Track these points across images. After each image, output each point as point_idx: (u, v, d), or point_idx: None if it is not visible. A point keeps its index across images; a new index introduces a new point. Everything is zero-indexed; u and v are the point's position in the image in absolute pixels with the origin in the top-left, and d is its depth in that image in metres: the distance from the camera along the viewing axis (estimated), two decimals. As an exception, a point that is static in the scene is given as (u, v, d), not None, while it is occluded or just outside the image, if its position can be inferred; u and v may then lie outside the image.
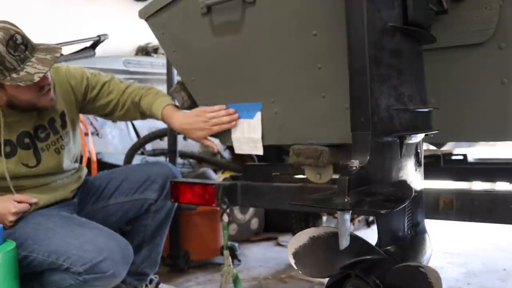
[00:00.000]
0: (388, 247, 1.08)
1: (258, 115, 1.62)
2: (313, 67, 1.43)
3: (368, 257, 1.08)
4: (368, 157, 0.99)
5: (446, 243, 3.12)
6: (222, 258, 1.99)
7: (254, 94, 1.62)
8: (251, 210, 3.30)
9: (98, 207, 1.95)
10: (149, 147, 3.18)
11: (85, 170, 2.01)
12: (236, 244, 2.79)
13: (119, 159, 2.95)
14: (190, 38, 1.70)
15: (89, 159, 2.55)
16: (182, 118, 1.78)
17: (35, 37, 1.62)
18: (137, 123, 3.38)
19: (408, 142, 1.10)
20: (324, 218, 2.85)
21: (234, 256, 2.65)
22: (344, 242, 0.97)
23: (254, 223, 3.36)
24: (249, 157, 2.62)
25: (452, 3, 1.15)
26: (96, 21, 4.47)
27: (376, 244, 1.09)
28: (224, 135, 1.75)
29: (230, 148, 2.58)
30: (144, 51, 4.66)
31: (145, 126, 3.37)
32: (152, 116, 1.88)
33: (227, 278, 1.81)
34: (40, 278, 1.63)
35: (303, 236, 1.15)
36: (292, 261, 1.16)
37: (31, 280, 1.64)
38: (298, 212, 2.73)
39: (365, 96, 0.99)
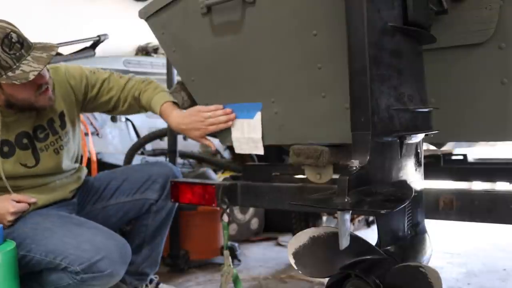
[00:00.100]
0: (388, 247, 1.08)
1: (258, 115, 1.62)
2: (313, 67, 1.43)
3: (368, 257, 1.07)
4: (368, 157, 0.99)
5: (446, 243, 3.12)
6: (222, 258, 1.99)
7: (254, 94, 1.62)
8: (251, 210, 3.30)
9: (99, 207, 1.95)
10: (149, 147, 3.18)
11: (85, 171, 2.01)
12: (236, 244, 2.80)
13: (119, 159, 2.95)
14: (190, 38, 1.70)
15: (89, 159, 2.55)
16: (179, 118, 1.78)
17: (35, 37, 1.62)
18: (137, 123, 3.38)
19: (408, 142, 1.10)
20: (324, 218, 2.85)
21: (234, 256, 2.65)
22: (344, 242, 0.97)
23: (254, 223, 3.36)
24: (249, 157, 2.63)
25: (452, 3, 1.15)
26: (96, 21, 4.47)
27: (376, 244, 1.09)
28: (224, 135, 1.75)
29: (230, 148, 2.59)
30: (144, 51, 4.66)
31: (145, 126, 3.37)
32: (151, 111, 1.89)
33: (227, 278, 1.81)
34: (39, 278, 1.63)
35: (303, 236, 1.15)
36: (292, 261, 1.16)
37: (30, 280, 1.64)
38: (298, 212, 2.73)
39: (365, 96, 0.99)
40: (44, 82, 1.64)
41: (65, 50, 3.12)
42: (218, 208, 2.04)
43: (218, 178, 2.82)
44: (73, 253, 1.54)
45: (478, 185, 2.06)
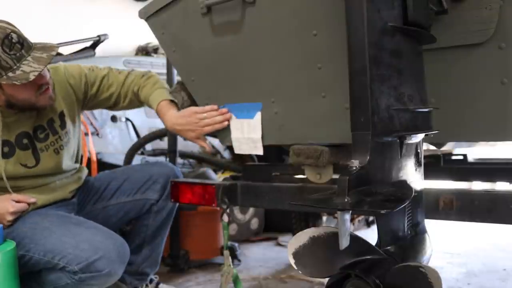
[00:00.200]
0: (388, 247, 1.08)
1: (258, 115, 1.62)
2: (313, 67, 1.43)
3: (368, 257, 1.07)
4: (368, 157, 0.99)
5: (446, 243, 3.12)
6: (222, 258, 1.99)
7: (254, 94, 1.62)
8: (251, 210, 3.30)
9: (99, 207, 1.95)
10: (149, 147, 3.18)
11: (85, 171, 2.01)
12: (236, 244, 2.79)
13: (119, 159, 2.95)
14: (190, 38, 1.70)
15: (89, 159, 2.55)
16: (173, 118, 1.78)
17: (35, 37, 1.62)
18: (137, 123, 3.38)
19: (408, 142, 1.10)
20: (324, 218, 2.85)
21: (234, 256, 2.65)
22: (344, 242, 0.97)
23: (254, 223, 3.36)
24: (249, 157, 2.62)
25: (452, 3, 1.15)
26: (96, 21, 4.47)
27: (376, 244, 1.09)
28: (224, 135, 1.75)
29: (230, 148, 2.59)
30: (144, 51, 4.66)
31: (145, 126, 3.37)
32: (150, 108, 1.89)
33: (227, 278, 1.81)
34: (38, 278, 1.63)
35: (303, 236, 1.15)
36: (292, 261, 1.16)
37: (29, 280, 1.64)
38: (298, 212, 2.73)
39: (365, 96, 0.99)
40: (44, 83, 1.64)
41: (65, 50, 3.12)
42: (218, 208, 2.04)
43: (218, 178, 2.82)
44: (71, 252, 1.54)
45: (478, 185, 2.06)
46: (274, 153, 2.68)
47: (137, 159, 2.95)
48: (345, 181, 0.96)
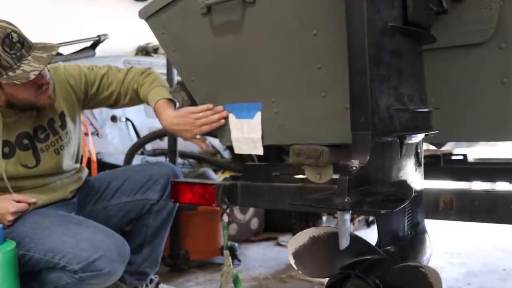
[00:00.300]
0: (388, 247, 1.08)
1: (258, 115, 1.62)
2: (313, 67, 1.43)
3: (368, 257, 1.07)
4: (368, 157, 0.99)
5: (446, 243, 3.12)
6: (222, 258, 1.99)
7: (254, 94, 1.62)
8: (251, 210, 3.30)
9: (99, 208, 1.95)
10: (149, 147, 3.18)
11: (86, 171, 2.01)
12: (236, 244, 2.80)
13: (119, 159, 2.95)
14: (190, 38, 1.70)
15: (89, 159, 2.55)
16: (170, 118, 1.78)
17: (35, 37, 1.62)
18: (137, 123, 3.38)
19: (408, 142, 1.10)
20: (324, 218, 2.85)
21: (234, 256, 2.65)
22: (344, 242, 0.97)
23: (254, 223, 3.36)
24: (249, 157, 2.62)
25: (452, 3, 1.15)
26: (96, 21, 4.47)
27: (376, 244, 1.09)
28: (224, 135, 1.75)
29: (230, 148, 2.59)
30: (144, 51, 4.67)
31: (145, 126, 3.37)
32: (148, 105, 1.89)
33: (227, 278, 1.81)
34: (38, 277, 1.63)
35: (303, 236, 1.15)
36: (292, 261, 1.16)
37: (29, 279, 1.64)
38: (298, 212, 2.73)
39: (365, 96, 0.99)
40: (44, 82, 1.65)
41: (65, 50, 3.12)
42: (218, 208, 2.03)
43: (218, 178, 2.82)
44: (72, 252, 1.54)
45: (478, 185, 2.06)
46: (274, 153, 2.68)
47: (137, 159, 2.95)
48: (345, 181, 0.96)
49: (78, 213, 1.89)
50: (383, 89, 1.02)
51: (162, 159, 3.07)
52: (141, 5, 1.82)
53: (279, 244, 3.20)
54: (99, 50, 3.46)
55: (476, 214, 1.32)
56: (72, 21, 4.44)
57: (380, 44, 1.01)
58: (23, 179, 1.72)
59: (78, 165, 1.95)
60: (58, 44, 1.66)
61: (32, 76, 1.52)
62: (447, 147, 2.19)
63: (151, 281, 2.08)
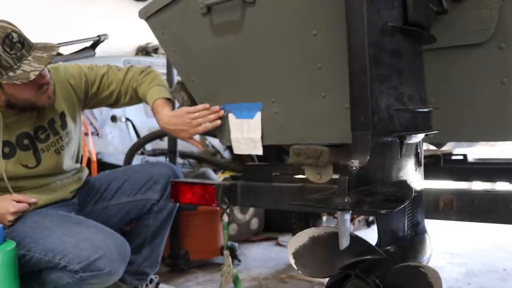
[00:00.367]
0: (388, 247, 1.08)
1: (258, 115, 1.62)
2: (313, 67, 1.43)
3: (368, 257, 1.07)
4: (368, 157, 0.99)
5: (446, 243, 3.12)
6: (222, 258, 1.99)
7: (254, 94, 1.62)
8: (251, 210, 3.30)
9: (99, 208, 1.95)
10: (149, 147, 3.18)
11: (86, 171, 2.01)
12: (236, 244, 2.79)
13: (119, 159, 2.95)
14: (190, 38, 1.70)
15: (89, 159, 2.55)
16: (166, 118, 1.78)
17: (35, 37, 1.62)
18: (137, 123, 3.38)
19: (408, 142, 1.10)
20: (324, 218, 2.85)
21: (234, 256, 2.65)
22: (344, 242, 0.97)
23: (254, 223, 3.36)
24: (249, 157, 2.62)
25: (452, 3, 1.15)
26: (96, 21, 4.47)
27: (376, 244, 1.09)
28: (224, 135, 1.75)
29: (230, 148, 2.59)
30: (144, 51, 4.67)
31: (145, 126, 3.37)
32: (147, 104, 1.89)
33: (227, 278, 1.81)
34: (39, 277, 1.63)
35: (303, 236, 1.15)
36: (292, 261, 1.16)
37: (29, 279, 1.64)
38: (298, 212, 2.73)
39: (365, 96, 0.99)
40: (45, 82, 1.65)
41: (65, 50, 3.12)
42: (218, 208, 2.04)
43: (218, 178, 2.82)
44: (72, 251, 1.54)
45: (478, 185, 2.06)
46: (274, 153, 2.68)
47: (137, 159, 2.95)
48: (345, 181, 0.96)
49: (78, 213, 1.89)
50: (383, 89, 1.02)
51: (162, 159, 3.07)
52: (141, 5, 1.82)
53: (279, 244, 3.20)
54: (99, 50, 3.46)
55: (476, 214, 1.32)
56: (72, 21, 4.44)
57: (380, 44, 1.01)
58: (24, 179, 1.72)
59: (78, 165, 1.95)
60: (58, 44, 1.66)
61: (32, 76, 1.52)
62: (447, 147, 2.19)
63: (151, 281, 2.08)
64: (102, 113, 3.18)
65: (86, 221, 1.70)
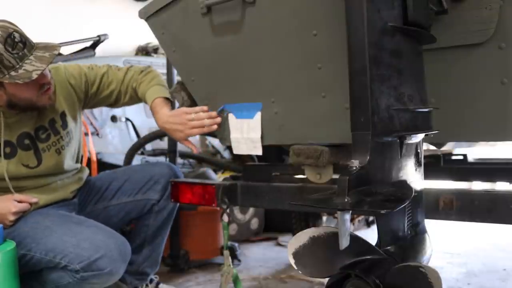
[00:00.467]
0: (388, 247, 1.08)
1: (258, 115, 1.62)
2: (313, 67, 1.43)
3: (368, 257, 1.08)
4: (368, 157, 0.99)
5: (446, 243, 3.12)
6: (222, 258, 1.99)
7: (254, 94, 1.62)
8: (251, 210, 3.30)
9: (100, 208, 1.95)
10: (149, 147, 3.18)
11: (86, 171, 2.01)
12: (236, 244, 2.80)
13: (119, 159, 2.95)
14: (190, 38, 1.70)
15: (89, 159, 2.55)
16: (164, 117, 1.78)
17: (35, 37, 1.62)
18: (137, 123, 3.38)
19: (408, 142, 1.10)
20: (324, 218, 2.85)
21: (234, 256, 2.65)
22: (344, 242, 0.97)
23: (254, 223, 3.36)
24: (249, 157, 2.62)
25: (452, 3, 1.15)
26: (96, 21, 4.47)
27: (376, 244, 1.09)
28: (224, 135, 1.75)
29: (230, 148, 2.60)
30: (144, 51, 4.66)
31: (145, 126, 3.37)
32: (146, 104, 1.89)
33: (227, 278, 1.82)
34: (39, 277, 1.63)
35: (303, 236, 1.15)
36: (292, 261, 1.16)
37: (30, 279, 1.65)
38: (298, 212, 2.73)
39: (365, 96, 0.99)
40: (46, 82, 1.65)
41: (65, 50, 3.12)
42: (218, 208, 2.03)
43: (218, 178, 2.82)
44: (73, 251, 1.54)
45: (478, 185, 2.06)
46: (274, 153, 2.68)
47: (137, 159, 2.95)
48: (345, 181, 0.96)
49: (79, 213, 1.89)
50: (383, 89, 1.02)
51: (162, 159, 3.07)
52: (141, 5, 1.82)
53: (279, 244, 3.20)
54: (99, 50, 3.47)
55: (476, 214, 1.32)
56: (72, 21, 4.44)
57: (380, 44, 1.01)
58: (25, 179, 1.72)
59: (79, 165, 1.95)
60: (58, 44, 1.66)
61: (34, 76, 1.52)
62: (447, 147, 2.19)
63: (151, 281, 2.08)
64: (102, 113, 3.18)
65: (87, 221, 1.70)
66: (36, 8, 4.28)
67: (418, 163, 1.16)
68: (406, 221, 1.14)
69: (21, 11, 3.84)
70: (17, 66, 1.52)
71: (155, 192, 1.94)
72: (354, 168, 0.99)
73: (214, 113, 1.70)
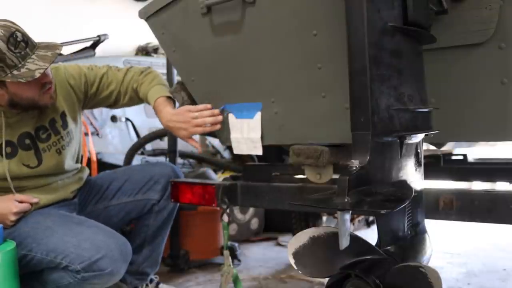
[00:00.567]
0: (388, 247, 1.08)
1: (258, 115, 1.62)
2: (313, 67, 1.43)
3: (368, 257, 1.08)
4: (368, 157, 0.99)
5: (446, 243, 3.12)
6: (222, 258, 1.99)
7: (254, 94, 1.62)
8: (251, 210, 3.30)
9: (100, 208, 1.95)
10: (149, 147, 3.18)
11: (86, 171, 2.01)
12: (236, 244, 2.80)
13: (119, 159, 2.95)
14: (190, 38, 1.70)
15: (89, 159, 2.55)
16: (168, 115, 1.78)
17: (35, 37, 1.62)
18: (137, 123, 3.38)
19: (408, 142, 1.10)
20: (324, 218, 2.85)
21: (234, 256, 2.65)
22: (344, 242, 0.97)
23: (254, 223, 3.36)
24: (249, 157, 2.62)
25: (452, 3, 1.15)
26: (96, 21, 4.47)
27: (376, 244, 1.09)
28: (224, 135, 1.75)
29: (230, 148, 2.60)
30: (144, 51, 4.66)
31: (145, 126, 3.37)
32: (148, 104, 1.89)
33: (227, 278, 1.82)
34: (40, 277, 1.63)
35: (303, 236, 1.15)
36: (292, 261, 1.16)
37: (31, 279, 1.65)
38: (298, 212, 2.73)
39: (365, 96, 0.99)
40: (48, 81, 1.65)
41: (65, 50, 3.11)
42: (218, 208, 2.04)
43: (218, 178, 2.82)
44: (74, 251, 1.54)
45: (478, 185, 2.06)
46: (274, 153, 2.68)
47: (137, 159, 2.95)
48: (345, 181, 0.96)
49: (79, 213, 1.89)
50: (383, 89, 1.02)
51: (162, 159, 3.07)
52: (141, 5, 1.82)
53: (279, 244, 3.20)
54: (99, 50, 3.47)
55: (476, 214, 1.32)
56: (72, 21, 4.44)
57: (380, 44, 1.01)
58: (25, 179, 1.72)
59: (79, 165, 1.95)
60: (60, 43, 1.66)
61: (37, 74, 1.52)
62: (447, 147, 2.19)
63: (151, 281, 2.08)
64: (102, 113, 3.18)
65: (87, 221, 1.70)
66: (36, 8, 4.28)
67: (418, 163, 1.16)
68: (406, 221, 1.14)
69: (21, 11, 3.84)
70: (20, 65, 1.52)
71: (155, 192, 1.94)
72: (354, 168, 0.99)
73: (217, 111, 1.71)
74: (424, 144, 1.31)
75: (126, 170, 2.17)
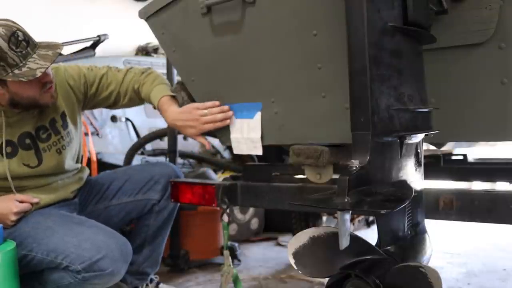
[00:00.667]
0: (388, 247, 1.08)
1: (258, 115, 1.62)
2: (313, 67, 1.43)
3: (368, 257, 1.08)
4: (368, 157, 0.99)
5: (446, 243, 3.12)
6: (222, 258, 1.99)
7: (254, 94, 1.62)
8: (251, 210, 3.30)
9: (100, 208, 1.95)
10: (149, 147, 3.18)
11: (87, 171, 2.01)
12: (236, 244, 2.80)
13: (119, 159, 2.95)
14: (190, 38, 1.70)
15: (89, 159, 2.55)
16: (175, 114, 1.77)
17: (36, 37, 1.62)
18: (137, 123, 3.38)
19: (408, 142, 1.10)
20: (324, 218, 2.85)
21: (234, 256, 2.65)
22: (344, 242, 0.97)
23: (254, 223, 3.36)
24: (249, 157, 2.63)
25: (452, 3, 1.15)
26: (96, 21, 4.47)
27: (376, 244, 1.09)
28: (224, 135, 1.75)
29: (230, 148, 2.60)
30: (144, 51, 4.67)
31: (145, 126, 3.38)
32: (151, 104, 1.88)
33: (227, 278, 1.82)
34: (40, 277, 1.63)
35: (303, 236, 1.15)
36: (292, 261, 1.16)
37: (31, 279, 1.65)
38: (298, 212, 2.73)
39: (365, 96, 0.99)
40: (48, 80, 1.65)
41: (65, 50, 3.11)
42: (218, 208, 2.04)
43: (218, 178, 2.82)
44: (74, 252, 1.54)
45: (478, 185, 2.06)
46: (274, 153, 2.68)
47: (137, 159, 2.95)
48: (345, 181, 0.96)
49: (79, 213, 1.89)
50: (383, 89, 1.02)
51: (162, 159, 3.07)
52: (141, 5, 1.82)
53: (279, 244, 3.20)
54: (99, 50, 3.46)
55: (476, 214, 1.32)
56: (72, 21, 4.44)
57: (380, 44, 1.01)
58: (26, 179, 1.72)
59: (79, 165, 1.95)
60: (61, 43, 1.66)
61: (38, 73, 1.52)
62: (447, 147, 2.19)
63: (151, 281, 2.08)
64: (102, 113, 3.18)
65: (88, 221, 1.70)
66: (36, 8, 4.28)
67: (418, 163, 1.16)
68: (406, 221, 1.14)
69: (21, 11, 3.84)
70: (21, 64, 1.52)
71: (156, 192, 1.94)
72: (354, 168, 0.99)
73: (226, 107, 1.68)
74: (424, 144, 1.31)
75: (127, 170, 2.17)
